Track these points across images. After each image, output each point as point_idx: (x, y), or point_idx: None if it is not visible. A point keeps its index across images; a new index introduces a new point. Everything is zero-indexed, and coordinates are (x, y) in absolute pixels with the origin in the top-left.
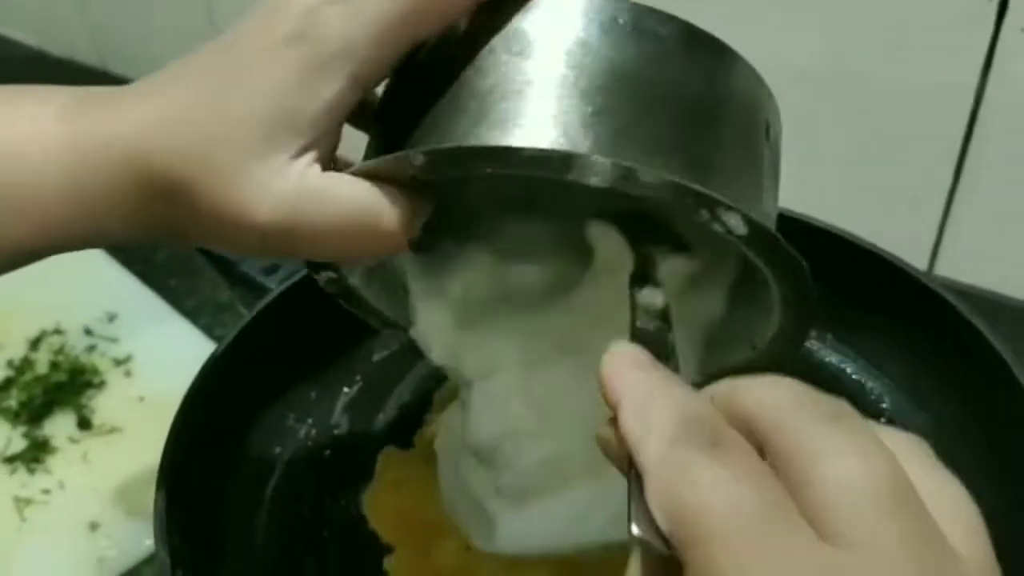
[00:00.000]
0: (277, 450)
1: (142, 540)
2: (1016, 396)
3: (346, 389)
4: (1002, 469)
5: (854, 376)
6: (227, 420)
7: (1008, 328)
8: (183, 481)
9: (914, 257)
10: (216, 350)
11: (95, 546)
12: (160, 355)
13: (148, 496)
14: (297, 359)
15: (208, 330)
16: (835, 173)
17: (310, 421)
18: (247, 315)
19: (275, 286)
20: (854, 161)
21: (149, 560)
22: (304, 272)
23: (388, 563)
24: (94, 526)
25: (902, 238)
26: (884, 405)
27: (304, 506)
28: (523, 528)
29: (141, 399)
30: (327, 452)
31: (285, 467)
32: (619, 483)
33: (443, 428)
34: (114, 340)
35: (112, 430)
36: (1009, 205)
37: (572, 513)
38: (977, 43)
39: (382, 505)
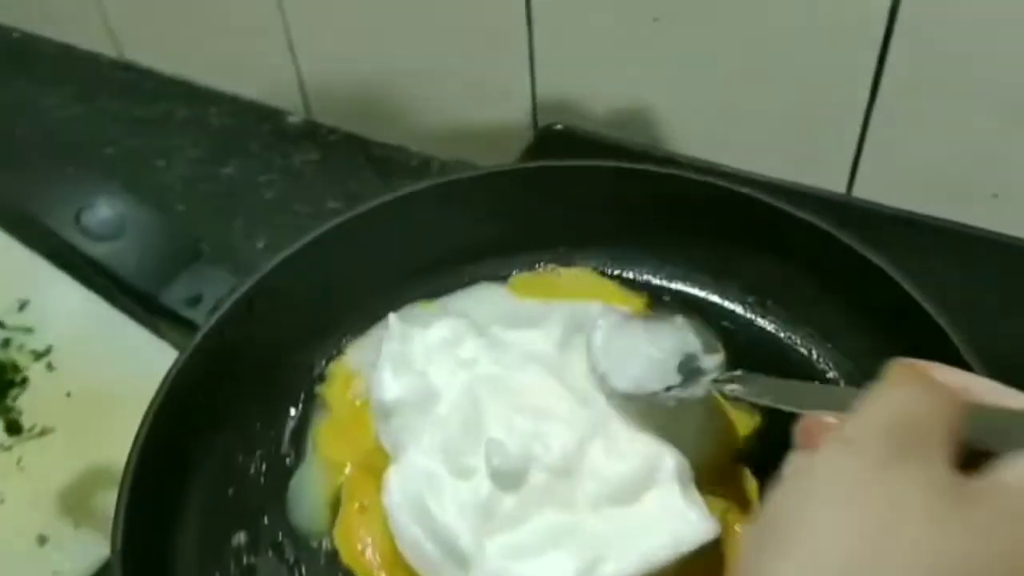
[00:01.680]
0: (230, 491)
1: (94, 550)
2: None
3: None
4: None
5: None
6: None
7: (928, 249)
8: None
9: (832, 180)
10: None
11: (48, 560)
12: (81, 344)
13: (94, 501)
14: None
15: (128, 310)
16: (749, 100)
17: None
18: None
19: (201, 319)
20: (767, 85)
21: (103, 569)
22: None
23: None
24: (42, 540)
25: (820, 161)
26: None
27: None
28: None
29: (68, 394)
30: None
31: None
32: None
33: (396, 485)
34: (29, 330)
35: (43, 432)
36: (926, 124)
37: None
38: None
39: (351, 534)
